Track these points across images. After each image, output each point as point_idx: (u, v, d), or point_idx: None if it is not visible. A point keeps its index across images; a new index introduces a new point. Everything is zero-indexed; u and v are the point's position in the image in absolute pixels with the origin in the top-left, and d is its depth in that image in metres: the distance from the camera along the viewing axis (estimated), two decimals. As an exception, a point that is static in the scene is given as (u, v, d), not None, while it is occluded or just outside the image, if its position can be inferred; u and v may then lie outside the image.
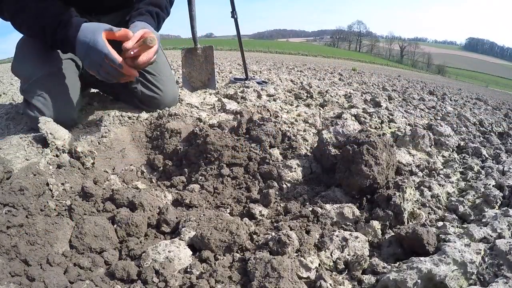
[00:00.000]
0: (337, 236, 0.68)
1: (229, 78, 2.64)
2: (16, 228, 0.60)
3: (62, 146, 0.92)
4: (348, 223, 0.75)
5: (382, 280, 0.57)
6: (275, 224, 0.74)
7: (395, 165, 0.94)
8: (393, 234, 0.73)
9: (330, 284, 0.56)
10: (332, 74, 5.06)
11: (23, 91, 1.08)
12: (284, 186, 0.92)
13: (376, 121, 1.53)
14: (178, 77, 2.26)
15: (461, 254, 0.58)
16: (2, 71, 5.33)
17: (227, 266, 0.60)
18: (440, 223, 0.75)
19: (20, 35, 1.14)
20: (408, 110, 2.05)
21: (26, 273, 0.55)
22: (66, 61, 1.13)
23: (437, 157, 1.21)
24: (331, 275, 0.61)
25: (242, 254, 0.64)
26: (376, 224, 0.73)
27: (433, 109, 2.29)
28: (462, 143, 1.39)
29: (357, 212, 0.77)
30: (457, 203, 0.85)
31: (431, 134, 1.30)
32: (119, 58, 0.92)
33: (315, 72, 5.31)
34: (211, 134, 1.03)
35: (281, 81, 2.91)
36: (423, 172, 1.07)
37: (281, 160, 1.00)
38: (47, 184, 0.74)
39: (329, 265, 0.63)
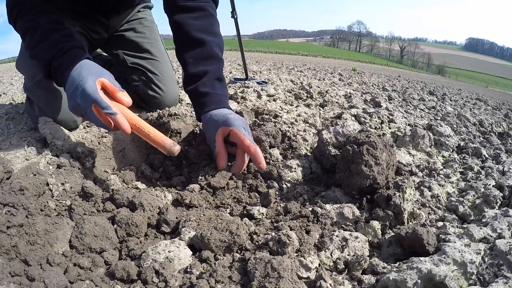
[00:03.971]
0: (337, 236, 0.68)
1: (229, 78, 2.64)
2: (16, 228, 0.60)
3: (62, 146, 0.92)
4: (348, 223, 0.75)
5: (382, 280, 0.57)
6: (275, 224, 0.74)
7: (395, 165, 0.94)
8: (393, 234, 0.73)
9: (330, 284, 0.56)
10: (332, 74, 5.06)
11: (27, 89, 1.08)
12: (284, 186, 0.92)
13: (376, 121, 1.53)
14: (179, 77, 2.26)
15: (461, 254, 0.58)
16: (2, 71, 5.33)
17: (227, 266, 0.60)
18: (440, 223, 0.75)
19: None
20: (408, 110, 2.05)
21: (26, 273, 0.55)
22: None
23: (437, 157, 1.21)
24: (331, 275, 0.61)
25: (242, 254, 0.64)
26: (376, 224, 0.73)
27: (433, 109, 2.29)
28: (462, 143, 1.39)
29: (357, 212, 0.77)
30: (457, 203, 0.85)
31: (431, 134, 1.30)
32: (114, 106, 0.78)
33: (315, 72, 5.31)
34: (211, 134, 1.02)
35: (281, 81, 2.90)
36: (423, 172, 1.07)
37: (281, 160, 1.00)
38: (47, 184, 0.74)
39: (329, 265, 0.63)
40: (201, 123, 0.99)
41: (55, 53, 0.82)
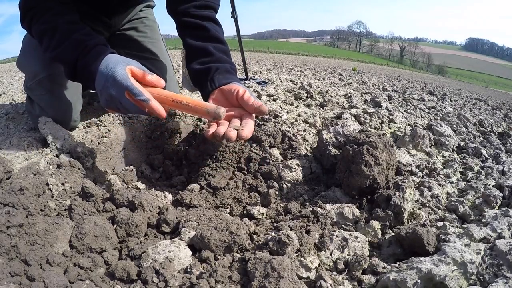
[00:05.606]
0: (337, 236, 0.68)
1: (229, 78, 2.63)
2: (16, 228, 0.60)
3: (62, 146, 0.92)
4: (348, 223, 0.75)
5: (382, 280, 0.57)
6: (275, 224, 0.74)
7: (395, 165, 0.94)
8: (393, 234, 0.73)
9: (330, 284, 0.56)
10: (332, 74, 5.07)
11: (28, 88, 1.07)
12: (284, 186, 0.92)
13: (376, 121, 1.53)
14: (178, 77, 2.26)
15: (461, 254, 0.58)
16: (2, 71, 5.33)
17: (227, 266, 0.60)
18: (440, 223, 0.76)
19: (25, 31, 1.10)
20: (408, 110, 2.05)
21: (26, 273, 0.55)
22: None
23: (437, 157, 1.21)
24: (331, 275, 0.61)
25: (242, 254, 0.64)
26: (376, 224, 0.73)
27: (433, 109, 2.29)
28: (462, 143, 1.39)
29: (357, 212, 0.77)
30: (457, 203, 0.85)
31: (431, 134, 1.30)
32: (145, 92, 0.76)
33: (315, 72, 5.31)
34: (211, 134, 1.02)
35: (281, 81, 2.90)
36: (423, 172, 1.07)
37: (281, 160, 1.00)
38: (47, 184, 0.74)
39: (329, 265, 0.63)
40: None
41: (79, 52, 0.82)
